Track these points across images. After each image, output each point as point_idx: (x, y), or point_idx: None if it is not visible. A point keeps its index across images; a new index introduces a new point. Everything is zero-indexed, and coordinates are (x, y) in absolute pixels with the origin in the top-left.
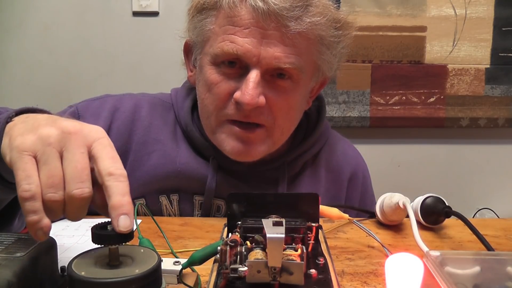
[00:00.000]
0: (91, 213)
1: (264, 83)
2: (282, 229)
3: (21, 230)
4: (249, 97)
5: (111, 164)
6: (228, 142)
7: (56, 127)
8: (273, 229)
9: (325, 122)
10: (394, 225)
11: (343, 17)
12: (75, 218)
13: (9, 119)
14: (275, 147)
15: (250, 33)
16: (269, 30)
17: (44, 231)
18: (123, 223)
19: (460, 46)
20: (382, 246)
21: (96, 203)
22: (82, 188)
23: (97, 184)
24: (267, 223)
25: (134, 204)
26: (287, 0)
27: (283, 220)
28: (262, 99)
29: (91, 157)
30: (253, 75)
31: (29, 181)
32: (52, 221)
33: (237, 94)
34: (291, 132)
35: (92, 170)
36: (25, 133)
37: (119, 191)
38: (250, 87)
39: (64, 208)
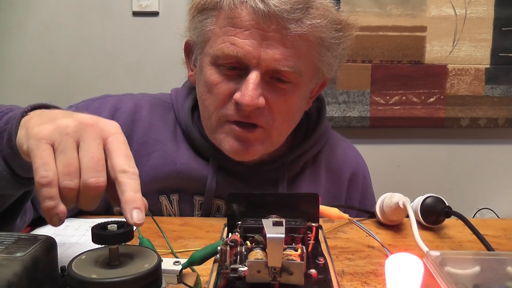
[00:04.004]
0: (91, 213)
1: (263, 84)
2: (282, 229)
3: (22, 229)
4: (249, 98)
5: (125, 162)
6: (227, 141)
7: (73, 118)
8: (273, 229)
9: (325, 123)
10: (394, 225)
11: (344, 19)
12: (88, 207)
13: (24, 114)
14: (273, 148)
15: (250, 34)
16: (269, 32)
17: (59, 217)
18: (137, 216)
19: (460, 46)
20: (382, 246)
21: (109, 194)
22: (97, 177)
23: (109, 178)
24: (267, 223)
25: None
26: (288, 2)
27: (283, 220)
28: (261, 100)
29: (106, 151)
30: (253, 77)
31: (46, 168)
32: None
33: (237, 95)
34: (289, 132)
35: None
36: (42, 123)
37: (132, 187)
38: (250, 88)
39: (78, 197)
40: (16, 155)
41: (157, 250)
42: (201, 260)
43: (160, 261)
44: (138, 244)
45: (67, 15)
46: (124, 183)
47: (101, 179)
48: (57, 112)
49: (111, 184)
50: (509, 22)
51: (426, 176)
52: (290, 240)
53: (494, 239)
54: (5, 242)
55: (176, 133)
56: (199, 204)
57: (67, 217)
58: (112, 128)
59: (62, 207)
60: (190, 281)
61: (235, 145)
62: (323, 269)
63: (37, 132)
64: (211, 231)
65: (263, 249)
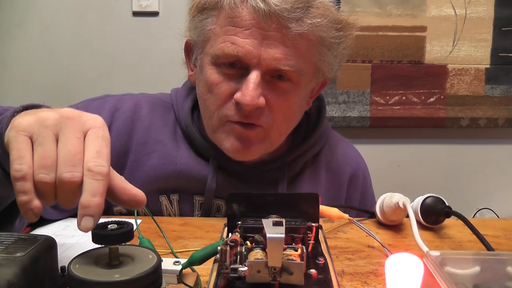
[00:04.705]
0: None
1: (264, 84)
2: (282, 229)
3: (21, 230)
4: (249, 98)
5: (93, 158)
6: (228, 140)
7: (55, 112)
8: (273, 229)
9: (325, 122)
10: (394, 225)
11: (344, 18)
12: (66, 204)
13: (16, 113)
14: (272, 147)
15: (251, 34)
16: (269, 31)
17: (34, 212)
18: (84, 224)
19: (460, 46)
20: (382, 246)
21: None
22: (72, 172)
23: None
24: (267, 223)
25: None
26: (288, 1)
27: (283, 220)
28: (262, 100)
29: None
30: (253, 76)
31: (21, 161)
32: (55, 219)
33: (237, 95)
34: (289, 132)
35: None
36: (24, 116)
37: (91, 190)
38: (250, 88)
39: (56, 193)
40: (7, 154)
41: (157, 250)
42: (201, 260)
43: (160, 261)
44: (138, 244)
45: (67, 15)
46: (85, 183)
47: (77, 174)
48: (45, 109)
49: None
50: (509, 22)
51: (426, 176)
52: (290, 240)
53: (494, 239)
54: (5, 242)
55: (176, 133)
56: (199, 204)
57: (67, 217)
58: (94, 122)
59: (36, 203)
60: (190, 281)
61: (236, 144)
62: (323, 269)
63: (17, 124)
64: (211, 231)
65: (263, 249)
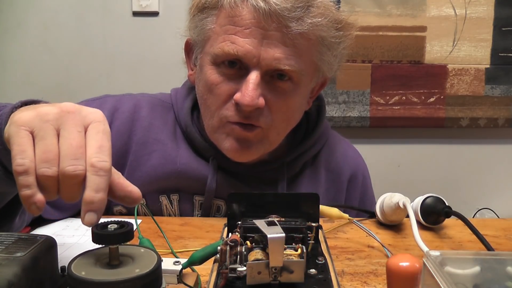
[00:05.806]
0: None
1: (264, 84)
2: (279, 228)
3: (21, 229)
4: (249, 99)
5: (96, 154)
6: (227, 141)
7: (55, 106)
8: (272, 229)
9: (325, 122)
10: (394, 225)
11: (344, 18)
12: (69, 198)
13: (14, 109)
14: (272, 147)
15: (251, 33)
16: (270, 30)
17: (37, 205)
18: (88, 219)
19: (460, 46)
20: (382, 246)
21: None
22: (75, 165)
23: None
24: (261, 224)
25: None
26: (289, 0)
27: (275, 219)
28: (261, 101)
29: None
30: (253, 77)
31: (23, 155)
32: (55, 219)
33: (237, 96)
34: (288, 132)
35: None
36: (24, 111)
37: (94, 186)
38: (250, 88)
39: (59, 187)
40: (7, 151)
41: (157, 250)
42: (201, 260)
43: (160, 261)
44: (138, 244)
45: (67, 15)
46: (88, 179)
47: (79, 167)
48: (45, 104)
49: None
50: (509, 22)
51: (426, 176)
52: (290, 240)
53: (494, 239)
54: (5, 242)
55: (176, 133)
56: (199, 204)
57: (67, 217)
58: (94, 116)
59: (39, 196)
60: (190, 281)
61: (235, 145)
62: (323, 269)
63: (17, 118)
64: (211, 231)
65: (263, 249)
